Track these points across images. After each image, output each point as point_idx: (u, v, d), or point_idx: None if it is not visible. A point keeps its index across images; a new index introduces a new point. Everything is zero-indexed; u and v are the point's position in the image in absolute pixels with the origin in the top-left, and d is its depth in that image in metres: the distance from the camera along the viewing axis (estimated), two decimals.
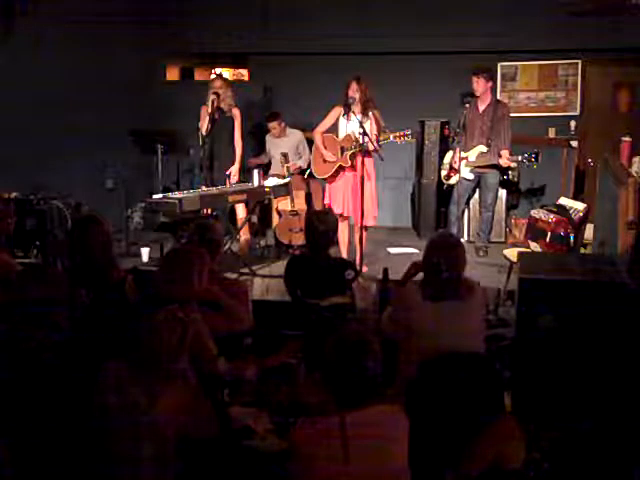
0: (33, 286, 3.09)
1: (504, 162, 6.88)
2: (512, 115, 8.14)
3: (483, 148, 6.93)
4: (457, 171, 6.98)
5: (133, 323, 2.83)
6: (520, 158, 6.81)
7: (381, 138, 6.27)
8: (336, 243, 5.75)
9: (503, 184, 7.65)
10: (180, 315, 2.85)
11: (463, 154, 6.96)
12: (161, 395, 2.70)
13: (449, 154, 7.32)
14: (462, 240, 6.65)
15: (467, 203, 7.51)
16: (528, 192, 8.05)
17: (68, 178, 7.00)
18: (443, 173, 7.33)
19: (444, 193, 7.56)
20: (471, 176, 7.04)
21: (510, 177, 7.75)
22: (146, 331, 2.76)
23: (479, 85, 6.92)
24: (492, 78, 6.96)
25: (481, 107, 7.00)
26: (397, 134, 6.25)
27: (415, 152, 8.16)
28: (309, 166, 7.10)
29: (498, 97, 8.18)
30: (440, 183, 7.62)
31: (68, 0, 7.27)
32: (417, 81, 8.11)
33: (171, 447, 2.69)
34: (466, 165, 6.98)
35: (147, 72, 8.82)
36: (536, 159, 6.72)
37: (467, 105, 6.95)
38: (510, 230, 7.78)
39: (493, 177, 7.07)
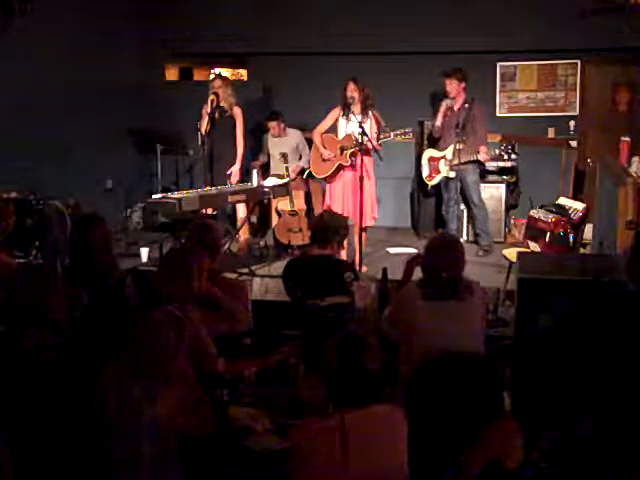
0: (32, 286, 3.09)
1: (482, 157, 6.90)
2: (511, 115, 8.20)
3: (459, 145, 6.91)
4: (439, 171, 7.04)
5: (131, 323, 2.83)
6: (498, 152, 6.80)
7: (381, 136, 6.29)
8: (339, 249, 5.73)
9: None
10: (177, 313, 2.85)
11: (440, 153, 7.01)
12: (161, 394, 2.70)
13: (426, 153, 7.31)
14: (461, 240, 6.72)
15: (465, 202, 7.51)
16: (527, 192, 8.04)
17: (67, 178, 6.99)
18: (424, 174, 7.31)
19: (429, 189, 7.54)
20: (452, 174, 7.05)
21: (507, 177, 7.75)
22: (143, 330, 2.76)
23: (452, 87, 6.94)
24: (464, 78, 6.94)
25: (456, 107, 7.01)
26: (397, 132, 6.28)
27: (414, 152, 8.15)
28: (309, 166, 7.10)
29: (497, 96, 8.21)
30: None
31: None
32: (416, 81, 8.10)
33: (171, 447, 2.69)
34: (445, 164, 7.00)
35: (146, 72, 8.81)
36: (513, 150, 6.71)
37: (447, 103, 6.97)
38: (509, 230, 7.78)
39: (472, 174, 7.06)
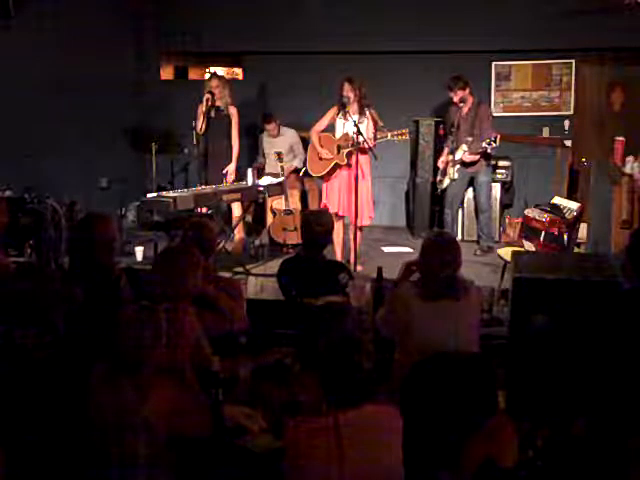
0: (27, 285, 3.08)
1: (466, 158, 6.94)
2: (506, 115, 8.21)
3: (465, 147, 6.96)
4: (447, 174, 7.09)
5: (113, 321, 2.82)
6: (484, 144, 6.79)
7: (379, 136, 6.29)
8: (331, 243, 5.77)
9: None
10: (152, 307, 2.84)
11: (450, 156, 7.06)
12: (152, 391, 2.69)
13: (442, 158, 7.38)
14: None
15: (461, 203, 7.53)
16: (522, 191, 8.06)
17: (62, 177, 6.98)
18: (438, 178, 7.40)
19: (438, 193, 7.61)
20: (456, 175, 7.09)
21: (502, 176, 7.75)
22: (117, 329, 2.76)
23: (457, 95, 7.03)
24: (467, 84, 7.01)
25: (464, 109, 7.08)
26: (395, 133, 6.28)
27: (410, 152, 8.16)
28: (305, 165, 7.11)
29: (492, 96, 8.23)
30: (434, 183, 7.71)
31: None
32: (412, 80, 8.11)
33: (166, 446, 2.69)
34: (452, 166, 7.05)
35: (142, 71, 8.81)
36: (495, 140, 6.72)
37: (461, 105, 7.02)
38: (504, 229, 7.80)
39: (484, 175, 7.11)
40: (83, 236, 3.86)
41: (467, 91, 7.01)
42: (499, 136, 6.76)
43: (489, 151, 6.82)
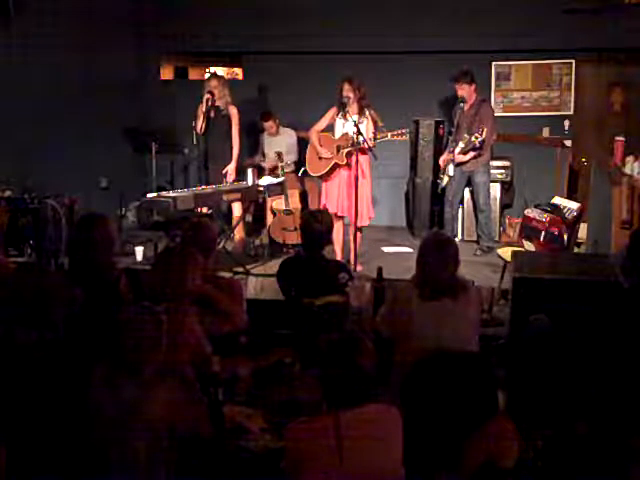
0: (28, 285, 3.08)
1: (457, 157, 6.94)
2: (506, 115, 8.20)
3: (462, 144, 6.94)
4: (445, 172, 7.08)
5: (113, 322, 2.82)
6: (472, 139, 6.76)
7: (378, 136, 6.28)
8: (331, 242, 5.78)
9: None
10: (150, 306, 2.84)
11: (450, 155, 7.06)
12: (152, 391, 2.69)
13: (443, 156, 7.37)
14: (456, 239, 6.74)
15: (461, 202, 7.52)
16: (522, 191, 8.06)
17: (62, 177, 6.97)
18: (439, 176, 7.39)
19: (438, 192, 7.60)
20: (451, 172, 7.07)
21: (502, 176, 7.74)
22: (119, 329, 2.76)
23: (463, 90, 7.00)
24: (473, 80, 6.99)
25: (466, 107, 7.07)
26: (394, 132, 6.28)
27: (410, 152, 8.16)
28: (304, 164, 7.10)
29: (492, 96, 8.22)
30: (434, 183, 7.70)
31: None
32: (411, 80, 8.11)
33: (166, 446, 2.69)
34: (450, 163, 7.05)
35: (142, 71, 8.81)
36: (480, 133, 6.71)
37: (461, 104, 7.02)
38: (504, 229, 7.79)
39: (481, 175, 7.09)
40: (83, 236, 3.86)
41: (472, 87, 6.98)
42: (484, 129, 6.75)
43: (477, 144, 6.79)
